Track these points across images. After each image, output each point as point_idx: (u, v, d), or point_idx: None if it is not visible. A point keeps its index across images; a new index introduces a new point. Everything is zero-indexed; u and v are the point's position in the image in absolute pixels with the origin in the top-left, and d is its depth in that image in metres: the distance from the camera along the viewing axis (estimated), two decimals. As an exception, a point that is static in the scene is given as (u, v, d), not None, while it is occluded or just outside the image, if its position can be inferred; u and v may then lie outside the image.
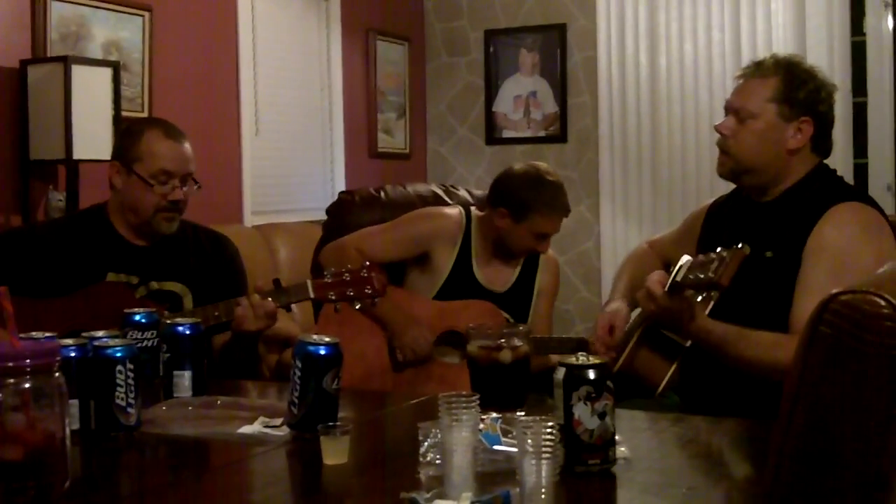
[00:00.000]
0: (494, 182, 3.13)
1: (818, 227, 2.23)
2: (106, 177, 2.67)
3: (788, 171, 2.35)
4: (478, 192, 3.79)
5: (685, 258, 2.25)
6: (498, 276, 3.12)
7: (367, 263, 2.46)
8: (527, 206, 2.99)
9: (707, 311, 2.27)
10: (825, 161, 2.41)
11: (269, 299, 2.43)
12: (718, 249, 2.11)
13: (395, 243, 2.98)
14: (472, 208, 3.21)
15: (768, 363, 2.12)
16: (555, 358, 2.90)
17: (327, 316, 2.94)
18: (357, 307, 2.46)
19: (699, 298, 2.17)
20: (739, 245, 2.08)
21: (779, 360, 2.00)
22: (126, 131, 2.72)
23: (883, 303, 1.01)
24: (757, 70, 2.38)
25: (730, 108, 2.39)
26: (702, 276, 2.10)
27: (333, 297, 2.44)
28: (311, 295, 2.45)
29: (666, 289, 2.24)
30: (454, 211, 3.17)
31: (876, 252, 2.16)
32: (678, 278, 2.21)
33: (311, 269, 3.34)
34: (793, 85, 2.33)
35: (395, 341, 2.97)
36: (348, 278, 2.43)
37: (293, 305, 2.56)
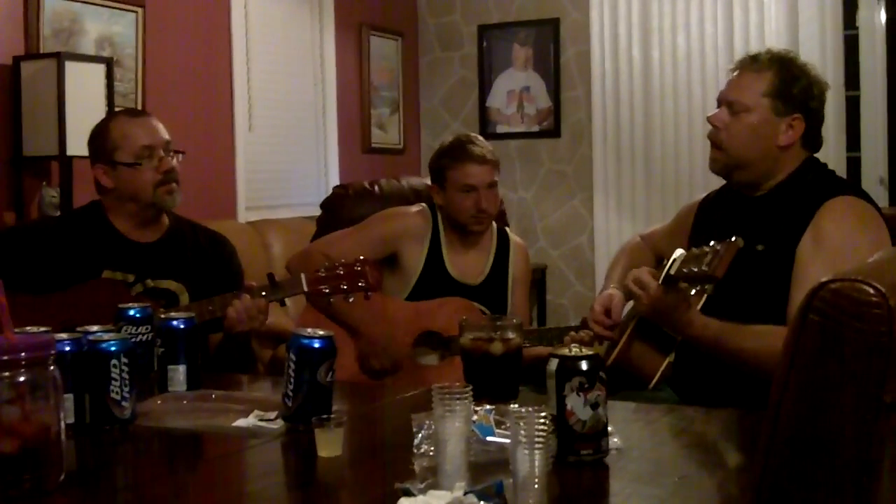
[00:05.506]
0: None
1: (815, 222, 2.23)
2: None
3: (779, 166, 2.36)
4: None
5: (678, 252, 2.24)
6: (471, 268, 3.09)
7: (361, 257, 2.47)
8: (441, 167, 3.03)
9: (700, 305, 2.27)
10: (815, 155, 2.42)
11: (263, 294, 2.44)
12: (712, 243, 2.11)
13: (362, 246, 2.87)
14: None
15: (767, 354, 2.11)
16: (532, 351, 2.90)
17: (304, 316, 2.93)
18: (350, 300, 2.46)
19: (693, 292, 2.17)
20: (733, 238, 2.07)
21: (778, 350, 2.00)
22: (93, 134, 2.70)
23: (871, 290, 1.02)
24: (752, 63, 2.38)
25: (723, 101, 2.39)
26: (696, 269, 2.10)
27: (327, 291, 2.44)
28: (305, 289, 2.45)
29: (660, 282, 2.24)
30: (419, 208, 3.14)
31: (872, 245, 2.15)
32: (672, 271, 2.20)
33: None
34: (787, 80, 2.33)
35: (367, 350, 2.87)
36: (342, 272, 2.44)
37: (287, 300, 2.56)
